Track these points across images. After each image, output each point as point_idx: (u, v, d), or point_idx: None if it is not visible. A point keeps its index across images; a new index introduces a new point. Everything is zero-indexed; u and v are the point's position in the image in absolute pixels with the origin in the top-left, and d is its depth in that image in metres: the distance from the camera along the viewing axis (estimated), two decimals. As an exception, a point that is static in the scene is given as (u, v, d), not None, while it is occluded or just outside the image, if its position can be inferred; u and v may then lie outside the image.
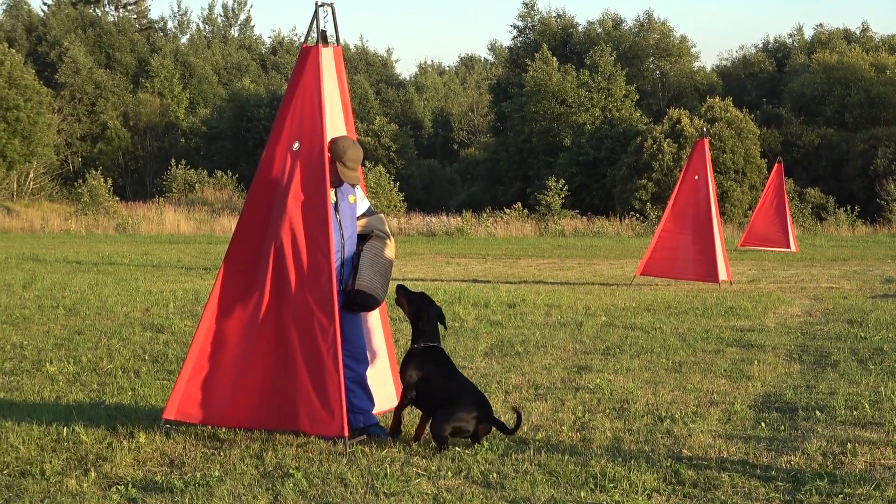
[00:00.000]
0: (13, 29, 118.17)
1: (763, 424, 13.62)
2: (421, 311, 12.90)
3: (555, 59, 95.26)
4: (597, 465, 11.50)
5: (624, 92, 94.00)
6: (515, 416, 12.73)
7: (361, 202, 13.20)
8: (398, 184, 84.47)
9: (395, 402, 13.47)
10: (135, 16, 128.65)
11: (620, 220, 73.97)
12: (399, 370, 12.99)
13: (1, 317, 24.34)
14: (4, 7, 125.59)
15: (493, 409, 12.74)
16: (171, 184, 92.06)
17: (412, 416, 13.17)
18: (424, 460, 11.77)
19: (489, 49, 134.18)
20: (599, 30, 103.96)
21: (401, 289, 13.22)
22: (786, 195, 52.68)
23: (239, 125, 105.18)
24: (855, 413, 14.22)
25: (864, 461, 11.81)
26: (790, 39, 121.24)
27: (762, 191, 57.42)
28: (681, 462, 11.70)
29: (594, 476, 11.13)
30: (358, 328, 12.95)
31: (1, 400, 15.22)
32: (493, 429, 12.50)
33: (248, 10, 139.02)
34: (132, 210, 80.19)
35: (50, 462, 11.64)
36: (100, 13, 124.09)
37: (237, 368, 12.67)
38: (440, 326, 12.97)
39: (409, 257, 46.40)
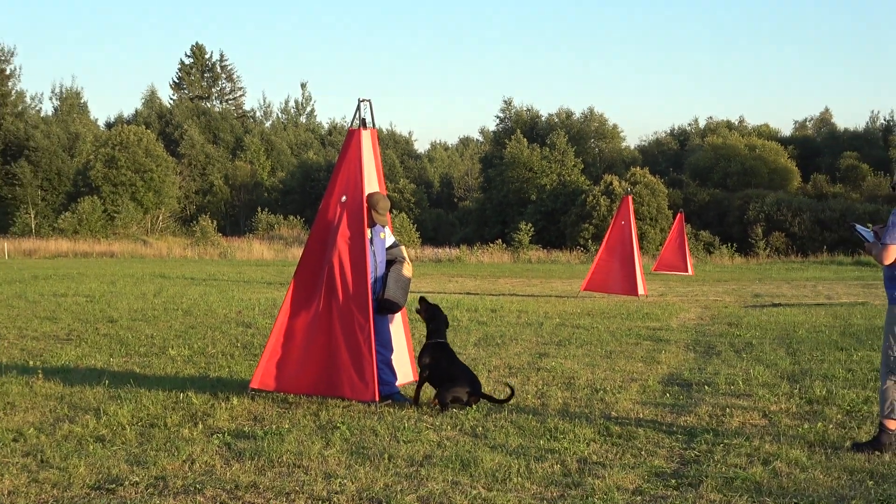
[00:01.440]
0: (149, 116, 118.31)
1: (668, 395, 13.61)
2: (434, 316, 13.02)
3: (525, 139, 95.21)
4: (551, 422, 11.50)
5: (573, 163, 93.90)
6: (509, 390, 12.83)
7: (389, 238, 13.28)
8: (415, 225, 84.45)
9: (411, 378, 13.66)
10: (233, 107, 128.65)
11: (570, 252, 73.84)
12: (417, 357, 13.08)
13: (138, 316, 24.35)
14: (143, 100, 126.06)
15: (482, 385, 12.80)
16: (257, 224, 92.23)
17: (428, 390, 13.16)
18: (431, 418, 11.80)
19: (480, 132, 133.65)
20: (556, 119, 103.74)
21: (422, 300, 13.39)
22: (685, 236, 52.59)
23: (305, 184, 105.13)
24: (732, 387, 14.20)
25: (738, 421, 11.80)
26: (689, 127, 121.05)
27: (669, 232, 57.35)
28: (610, 420, 11.68)
29: (549, 430, 11.13)
30: (386, 325, 13.02)
31: (137, 374, 15.23)
32: (480, 400, 12.61)
33: (312, 104, 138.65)
34: (230, 242, 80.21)
35: (171, 417, 11.68)
36: (209, 105, 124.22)
37: (301, 352, 12.72)
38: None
39: (423, 277, 46.35)
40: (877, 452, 10.18)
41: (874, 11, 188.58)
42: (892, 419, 10.34)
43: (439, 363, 12.66)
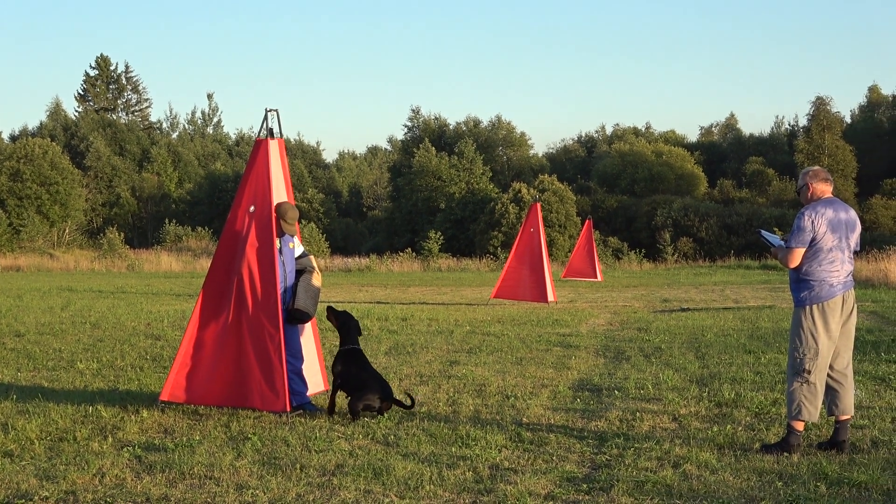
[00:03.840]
0: (54, 128, 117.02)
1: (579, 400, 13.69)
2: (344, 323, 13.01)
3: (433, 148, 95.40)
4: (463, 429, 11.51)
5: (482, 171, 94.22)
6: (409, 399, 12.80)
7: (298, 247, 13.25)
8: (325, 235, 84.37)
9: (322, 388, 13.63)
10: (139, 119, 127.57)
11: (480, 260, 73.98)
12: (331, 364, 13.05)
13: (45, 330, 24.07)
14: (48, 112, 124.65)
15: (393, 391, 12.78)
16: (165, 236, 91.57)
17: (342, 397, 13.12)
18: (343, 427, 11.78)
19: (388, 141, 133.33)
20: (464, 128, 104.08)
21: (330, 309, 13.39)
22: (594, 242, 52.84)
23: (213, 195, 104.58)
24: (642, 392, 14.32)
25: (648, 425, 11.90)
26: (596, 134, 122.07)
27: (577, 239, 57.57)
28: (521, 427, 11.73)
29: (461, 437, 11.14)
30: (296, 335, 12.98)
31: (45, 388, 15.05)
32: (392, 406, 12.61)
33: (219, 115, 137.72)
34: (138, 255, 79.62)
35: (80, 431, 11.55)
36: (115, 117, 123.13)
37: (211, 364, 12.64)
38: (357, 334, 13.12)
39: (332, 286, 46.25)
40: (785, 454, 10.30)
41: (776, 18, 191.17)
42: (800, 420, 10.47)
43: (350, 370, 12.66)
